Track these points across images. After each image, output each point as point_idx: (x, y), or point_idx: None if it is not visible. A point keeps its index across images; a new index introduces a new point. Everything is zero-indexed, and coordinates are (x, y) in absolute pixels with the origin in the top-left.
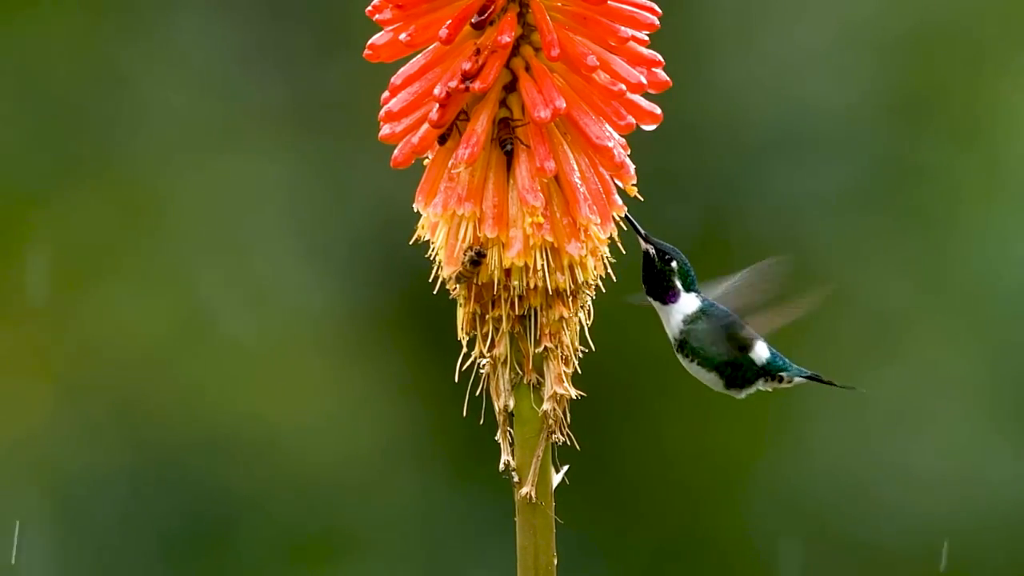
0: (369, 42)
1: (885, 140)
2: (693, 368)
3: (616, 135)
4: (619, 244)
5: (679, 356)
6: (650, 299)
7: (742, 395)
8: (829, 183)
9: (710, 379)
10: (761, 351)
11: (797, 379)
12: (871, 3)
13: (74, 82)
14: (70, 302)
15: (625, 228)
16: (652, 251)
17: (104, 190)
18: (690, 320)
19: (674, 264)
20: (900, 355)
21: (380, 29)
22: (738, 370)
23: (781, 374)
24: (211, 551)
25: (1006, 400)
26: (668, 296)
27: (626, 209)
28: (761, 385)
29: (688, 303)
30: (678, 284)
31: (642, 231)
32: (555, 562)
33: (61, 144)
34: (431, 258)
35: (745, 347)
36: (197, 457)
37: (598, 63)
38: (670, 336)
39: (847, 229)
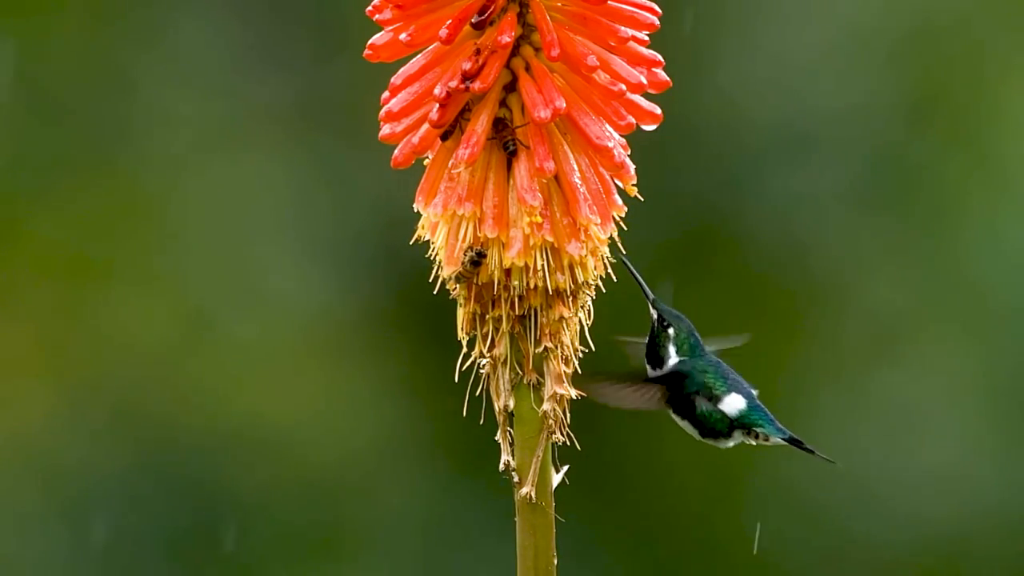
0: (369, 42)
1: (886, 140)
2: (674, 417)
3: (616, 135)
4: (619, 244)
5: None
6: (646, 363)
7: (726, 445)
8: (830, 183)
9: (686, 427)
10: (734, 403)
11: (775, 439)
12: (872, 4)
13: (76, 82)
14: (71, 302)
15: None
16: (655, 316)
17: (105, 190)
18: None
19: (671, 331)
20: (900, 355)
21: (380, 29)
22: (707, 421)
23: (757, 430)
24: (211, 551)
25: (1006, 399)
26: (657, 364)
27: (630, 264)
28: (742, 438)
29: (672, 361)
30: (671, 350)
31: (650, 295)
32: (555, 562)
33: (62, 144)
34: (432, 258)
35: (712, 399)
36: (198, 456)
37: (598, 63)
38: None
39: (847, 229)
